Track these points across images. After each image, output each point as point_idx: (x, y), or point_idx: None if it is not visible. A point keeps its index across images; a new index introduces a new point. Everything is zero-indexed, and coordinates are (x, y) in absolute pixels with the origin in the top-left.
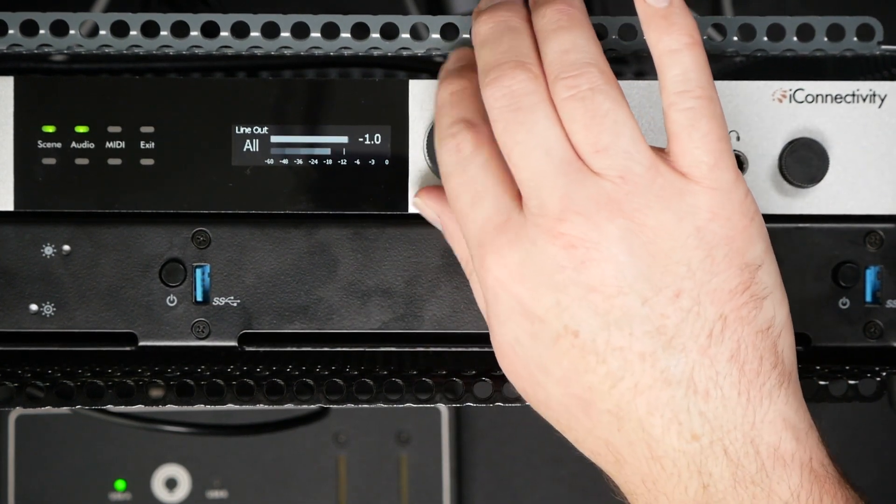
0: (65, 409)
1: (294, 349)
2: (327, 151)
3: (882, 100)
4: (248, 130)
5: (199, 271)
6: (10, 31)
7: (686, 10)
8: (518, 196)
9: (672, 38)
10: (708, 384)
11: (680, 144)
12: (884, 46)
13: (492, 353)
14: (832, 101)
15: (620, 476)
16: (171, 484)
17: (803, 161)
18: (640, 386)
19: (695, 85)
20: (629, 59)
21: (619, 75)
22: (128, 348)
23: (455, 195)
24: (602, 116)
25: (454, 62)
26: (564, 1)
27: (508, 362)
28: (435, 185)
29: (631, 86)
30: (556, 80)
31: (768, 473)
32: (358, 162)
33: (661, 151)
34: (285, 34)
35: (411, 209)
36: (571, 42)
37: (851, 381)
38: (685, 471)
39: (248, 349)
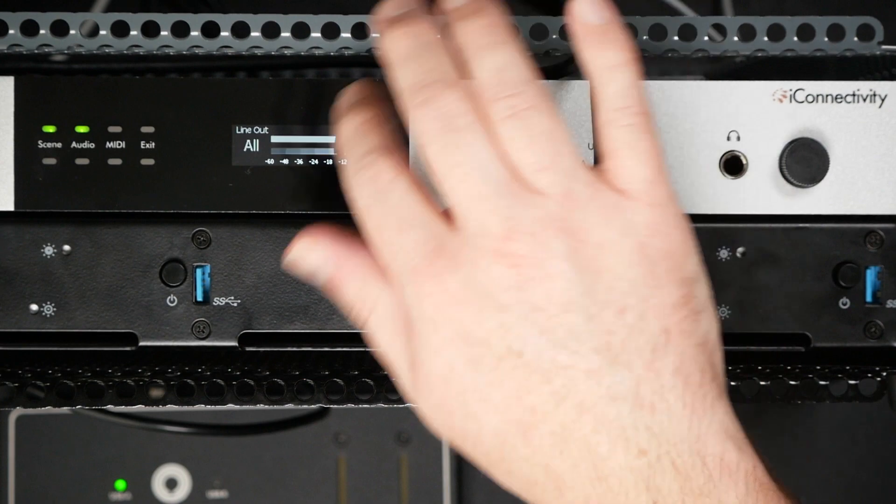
0: (65, 409)
1: (294, 349)
2: (328, 151)
3: (882, 100)
4: (248, 130)
5: (199, 271)
6: (11, 31)
7: (621, 26)
8: (447, 219)
9: (610, 55)
10: (654, 398)
11: (619, 161)
12: (884, 46)
13: None
14: (832, 101)
15: (561, 502)
16: (171, 484)
17: (803, 161)
18: (585, 404)
19: (634, 101)
20: None
21: None
22: (128, 348)
23: (377, 226)
24: (543, 135)
25: (353, 95)
26: (488, 14)
27: (436, 397)
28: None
29: None
30: (494, 100)
31: (716, 484)
32: None
33: (596, 169)
34: (285, 34)
35: None
36: (505, 60)
37: (851, 381)
38: (633, 488)
39: (248, 349)
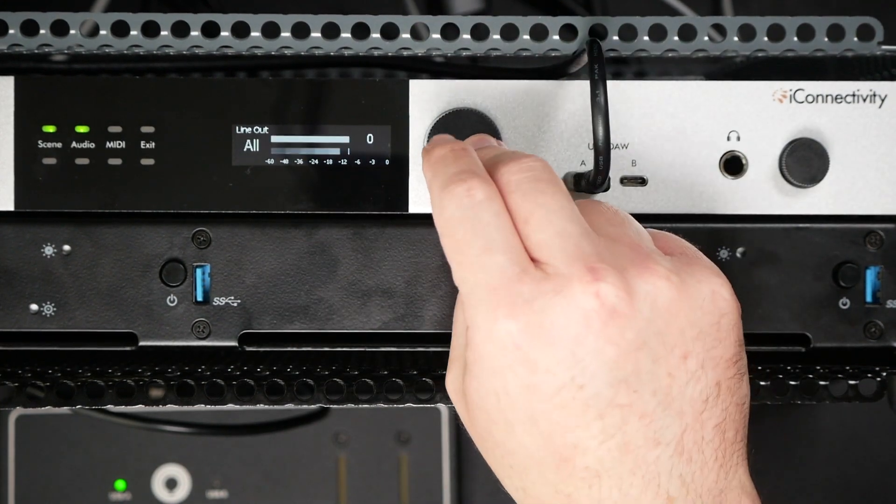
0: (65, 409)
1: (294, 349)
2: (327, 151)
3: (882, 100)
4: (248, 130)
5: (199, 271)
6: (11, 31)
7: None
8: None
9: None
10: (693, 448)
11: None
12: (884, 46)
13: None
14: (832, 102)
15: None
16: (171, 484)
17: (803, 161)
18: (630, 445)
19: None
20: (629, 60)
21: (619, 75)
22: (128, 348)
23: (462, 241)
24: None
25: (444, 137)
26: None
27: (483, 411)
28: None
29: (631, 86)
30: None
31: None
32: (358, 162)
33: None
34: (285, 34)
35: (411, 209)
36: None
37: (851, 381)
38: None
39: (248, 349)
